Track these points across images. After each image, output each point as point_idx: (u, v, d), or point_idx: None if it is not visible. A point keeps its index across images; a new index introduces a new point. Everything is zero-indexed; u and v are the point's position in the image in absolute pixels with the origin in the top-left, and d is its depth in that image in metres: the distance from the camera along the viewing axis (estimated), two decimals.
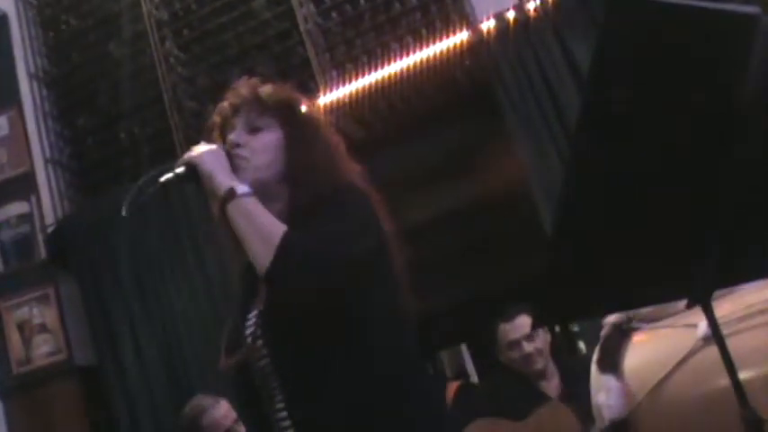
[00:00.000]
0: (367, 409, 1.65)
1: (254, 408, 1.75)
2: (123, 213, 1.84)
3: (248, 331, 1.76)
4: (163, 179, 1.79)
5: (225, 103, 1.95)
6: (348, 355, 1.66)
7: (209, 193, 1.78)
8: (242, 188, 1.74)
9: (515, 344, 3.45)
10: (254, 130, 1.88)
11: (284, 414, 1.68)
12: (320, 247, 1.65)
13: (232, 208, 1.72)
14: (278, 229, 1.68)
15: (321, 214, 1.72)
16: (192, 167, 1.78)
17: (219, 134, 1.94)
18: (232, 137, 1.86)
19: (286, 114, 1.91)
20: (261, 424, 1.74)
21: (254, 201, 1.74)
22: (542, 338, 3.47)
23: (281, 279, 1.64)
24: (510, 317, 3.48)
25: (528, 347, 3.43)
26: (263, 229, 1.69)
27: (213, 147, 1.82)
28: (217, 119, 1.96)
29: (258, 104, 1.90)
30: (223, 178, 1.76)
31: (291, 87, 1.99)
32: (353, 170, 1.91)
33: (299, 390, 1.68)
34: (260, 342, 1.72)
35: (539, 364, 3.44)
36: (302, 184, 1.81)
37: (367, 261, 1.70)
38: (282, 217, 1.75)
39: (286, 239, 1.65)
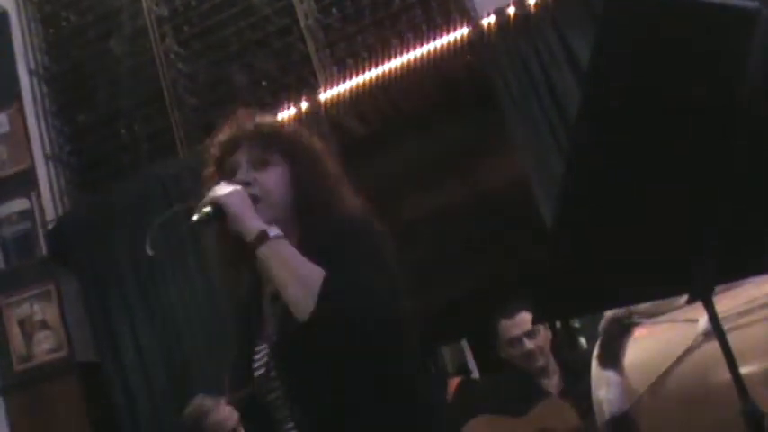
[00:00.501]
0: None
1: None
2: (149, 252, 1.81)
3: (258, 363, 1.77)
4: (193, 220, 1.75)
5: (223, 137, 1.92)
6: (365, 396, 1.67)
7: (233, 234, 1.75)
8: (273, 231, 1.72)
9: (516, 340, 3.45)
10: (260, 165, 1.85)
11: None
12: (361, 296, 1.65)
13: (265, 251, 1.70)
14: (317, 274, 1.65)
15: (344, 256, 1.70)
16: (219, 209, 1.74)
17: (217, 169, 1.91)
18: (241, 176, 1.83)
19: (290, 148, 1.89)
20: None
21: (286, 243, 1.72)
22: (543, 335, 3.47)
23: (322, 322, 1.62)
24: (510, 313, 3.48)
25: (529, 344, 3.43)
26: (300, 273, 1.67)
27: (237, 187, 1.78)
28: (216, 152, 1.92)
29: (262, 139, 1.88)
30: (252, 220, 1.73)
31: (291, 126, 1.99)
32: (358, 201, 1.91)
33: (312, 423, 1.68)
34: (273, 374, 1.72)
35: (540, 361, 3.44)
36: (314, 218, 1.80)
37: (400, 311, 1.71)
38: None
39: (327, 286, 1.63)
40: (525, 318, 3.42)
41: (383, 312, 1.67)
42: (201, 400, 3.61)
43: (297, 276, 1.66)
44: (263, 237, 1.70)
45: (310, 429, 1.68)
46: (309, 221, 1.81)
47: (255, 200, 1.78)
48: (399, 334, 1.72)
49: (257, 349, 1.79)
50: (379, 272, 1.70)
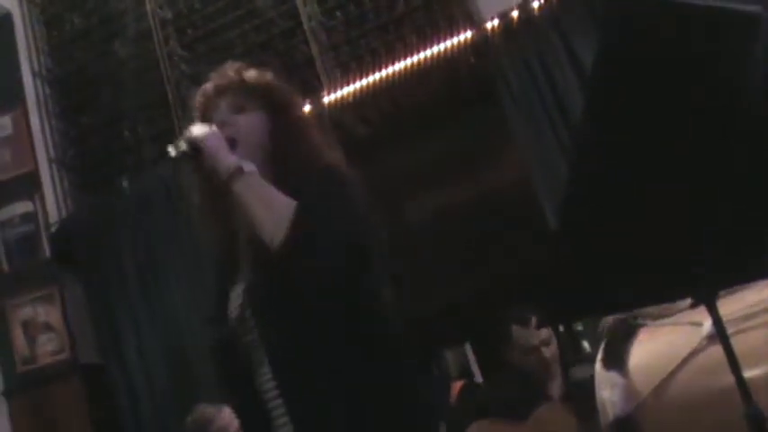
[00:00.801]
0: (355, 383, 1.68)
1: (239, 381, 1.78)
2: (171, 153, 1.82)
3: (234, 305, 1.79)
4: (171, 155, 1.81)
5: (209, 85, 1.97)
6: (338, 330, 1.69)
7: (208, 171, 1.80)
8: (248, 165, 1.77)
9: (534, 350, 3.42)
10: (238, 110, 1.91)
11: (272, 385, 1.72)
12: (334, 224, 1.69)
13: (240, 184, 1.74)
14: (290, 204, 1.69)
15: (315, 193, 1.74)
16: (196, 146, 1.79)
17: (202, 114, 1.96)
18: (218, 116, 1.88)
19: (270, 97, 1.94)
20: (247, 396, 1.77)
21: (259, 178, 1.77)
22: (555, 342, 3.45)
23: (294, 251, 1.65)
24: (526, 321, 3.44)
25: (546, 353, 3.40)
26: (273, 204, 1.71)
27: (212, 127, 1.84)
28: (200, 99, 1.98)
29: (243, 86, 1.93)
30: (227, 157, 1.78)
31: (275, 75, 2.01)
32: (336, 154, 1.95)
33: (288, 362, 1.70)
34: (247, 314, 1.75)
35: (552, 368, 3.42)
36: (289, 165, 1.83)
37: (370, 244, 1.75)
38: None
39: (299, 213, 1.67)
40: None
41: (354, 240, 1.71)
42: (203, 408, 3.61)
43: (269, 207, 1.70)
44: (237, 171, 1.74)
45: (283, 368, 1.70)
46: (284, 168, 1.84)
47: (233, 143, 1.83)
48: (372, 270, 1.76)
49: (233, 291, 1.82)
50: (350, 205, 1.75)
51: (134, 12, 5.19)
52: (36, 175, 5.09)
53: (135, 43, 5.17)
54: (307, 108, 4.50)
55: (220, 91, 1.94)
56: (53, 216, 5.01)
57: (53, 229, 4.98)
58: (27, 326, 4.86)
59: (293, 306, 1.67)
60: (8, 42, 5.32)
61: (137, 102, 5.10)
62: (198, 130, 1.83)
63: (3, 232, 5.06)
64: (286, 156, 1.85)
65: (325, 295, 1.67)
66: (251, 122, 1.89)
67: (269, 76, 1.99)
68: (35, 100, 5.20)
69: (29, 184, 5.08)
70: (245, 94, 1.93)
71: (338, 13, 4.73)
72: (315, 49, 4.72)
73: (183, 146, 1.79)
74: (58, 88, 5.32)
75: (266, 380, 1.73)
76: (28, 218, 5.03)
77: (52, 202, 5.03)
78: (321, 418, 1.67)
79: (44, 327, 4.83)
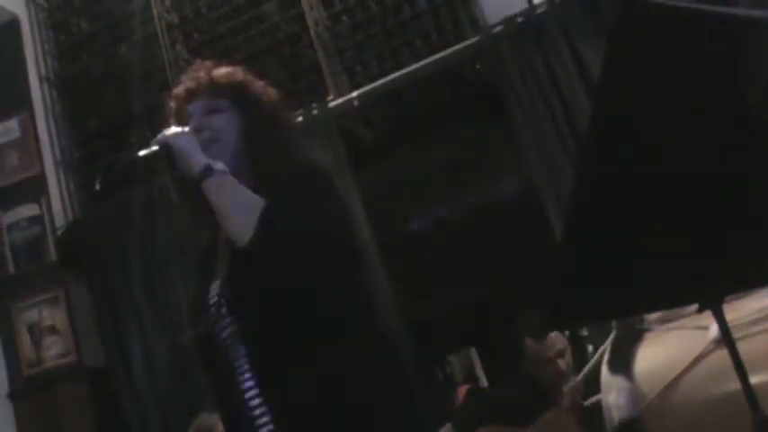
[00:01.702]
0: (334, 378, 1.68)
1: (216, 377, 1.79)
2: (96, 187, 1.89)
3: (211, 302, 1.80)
4: (139, 154, 1.82)
5: (180, 89, 1.98)
6: (315, 324, 1.70)
7: (181, 172, 1.82)
8: (218, 165, 1.78)
9: (550, 362, 3.40)
10: (211, 111, 1.91)
11: (250, 383, 1.72)
12: (301, 221, 1.71)
13: (210, 183, 1.76)
14: (259, 201, 1.71)
15: (291, 193, 1.76)
16: (167, 146, 1.80)
17: (176, 119, 1.96)
18: (193, 123, 1.88)
19: (242, 95, 1.95)
20: (224, 392, 1.78)
21: (229, 176, 1.78)
22: (569, 352, 3.44)
23: (263, 249, 1.66)
24: (538, 334, 3.42)
25: (562, 364, 3.39)
26: (243, 202, 1.73)
27: (185, 129, 1.85)
28: (172, 104, 1.99)
29: (213, 87, 1.94)
30: (198, 157, 1.79)
31: (243, 70, 2.03)
32: (311, 150, 1.97)
33: (265, 357, 1.71)
34: (224, 311, 1.75)
35: (568, 380, 3.41)
36: (265, 164, 1.85)
37: (343, 239, 1.78)
38: None
39: (268, 211, 1.69)
40: (557, 337, 3.38)
41: (327, 237, 1.73)
42: (205, 417, 3.62)
43: (238, 205, 1.72)
44: (207, 170, 1.76)
45: (262, 365, 1.71)
46: (260, 166, 1.86)
47: (208, 145, 1.84)
48: (345, 266, 1.78)
49: (211, 288, 1.83)
50: (324, 203, 1.78)
51: (140, 16, 5.19)
52: (43, 178, 5.10)
53: (141, 47, 5.18)
54: (314, 111, 4.52)
55: (192, 94, 1.95)
56: (59, 219, 5.02)
57: (59, 233, 4.99)
58: (33, 329, 4.87)
59: (264, 302, 1.69)
60: (15, 46, 5.33)
61: (143, 106, 5.10)
62: (169, 131, 1.84)
63: (9, 235, 5.07)
64: (261, 154, 1.86)
65: (293, 292, 1.68)
66: (224, 123, 1.89)
67: (240, 73, 2.00)
68: (42, 103, 5.21)
69: (35, 188, 5.09)
70: (217, 95, 1.93)
71: (344, 18, 4.74)
72: (321, 54, 4.72)
73: (154, 146, 1.81)
74: (65, 92, 5.33)
75: (243, 375, 1.74)
76: (34, 221, 5.04)
77: (59, 206, 5.04)
78: (298, 411, 1.68)
79: (50, 330, 4.84)
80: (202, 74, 1.97)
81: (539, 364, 3.43)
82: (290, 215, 1.71)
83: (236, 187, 1.76)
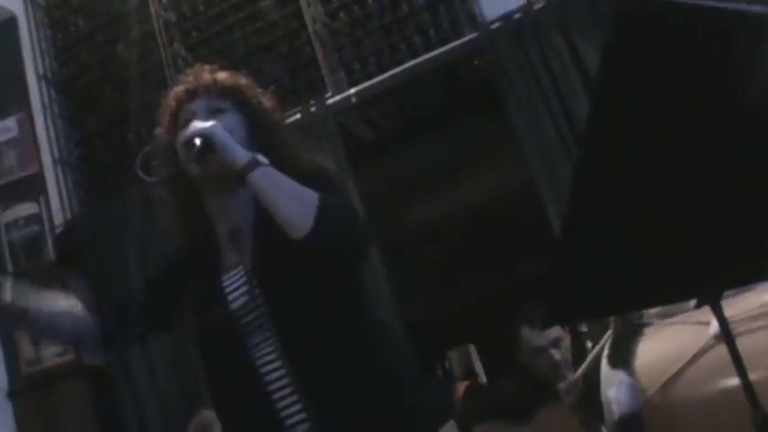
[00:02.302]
0: (362, 358, 1.77)
1: (230, 364, 1.79)
2: (138, 171, 1.88)
3: (232, 288, 1.81)
4: (194, 154, 1.80)
5: (180, 88, 1.97)
6: (334, 305, 1.78)
7: (219, 164, 1.80)
8: (261, 157, 1.79)
9: (543, 350, 3.40)
10: (216, 113, 1.91)
11: (272, 360, 1.74)
12: (347, 213, 1.79)
13: (258, 175, 1.76)
14: (311, 193, 1.74)
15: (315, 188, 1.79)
16: (209, 137, 1.79)
17: (172, 119, 1.96)
18: (195, 119, 1.87)
19: (245, 99, 1.96)
20: (239, 378, 1.78)
21: (273, 168, 1.79)
22: (566, 345, 3.44)
23: (320, 240, 1.70)
24: (533, 323, 3.43)
25: (557, 355, 3.39)
26: (296, 194, 1.75)
27: (215, 122, 1.84)
28: (172, 104, 1.97)
29: (217, 89, 1.94)
30: (240, 149, 1.80)
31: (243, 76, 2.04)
32: (318, 156, 2.01)
33: (298, 339, 1.74)
34: (257, 291, 1.77)
35: (564, 370, 3.41)
36: (275, 165, 1.84)
37: (366, 233, 1.90)
38: (250, 194, 1.83)
39: (323, 202, 1.72)
40: (553, 327, 3.38)
41: (360, 237, 1.83)
42: (205, 413, 3.62)
43: (294, 197, 1.74)
44: (254, 161, 1.77)
45: (293, 347, 1.73)
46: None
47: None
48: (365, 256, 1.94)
49: (225, 277, 1.83)
50: (347, 202, 1.89)
51: (138, 14, 5.19)
52: (41, 176, 5.10)
53: (139, 46, 5.17)
54: (312, 109, 4.52)
55: (193, 94, 1.95)
56: (58, 218, 5.02)
57: (58, 231, 4.99)
58: None
59: (306, 288, 1.73)
60: (13, 45, 5.33)
61: (141, 104, 5.09)
62: (204, 124, 1.83)
63: (8, 234, 5.07)
64: (270, 155, 1.85)
65: (332, 278, 1.76)
66: (229, 124, 1.89)
67: (242, 78, 2.01)
68: (40, 102, 5.21)
69: (34, 186, 5.10)
70: (220, 97, 1.94)
71: (342, 15, 4.73)
72: (319, 51, 4.71)
73: (198, 141, 1.79)
74: (63, 90, 5.32)
75: (266, 359, 1.75)
76: (33, 219, 5.04)
77: (57, 204, 5.04)
78: (329, 387, 1.71)
79: None
80: (205, 75, 1.97)
81: (531, 354, 3.44)
82: (340, 206, 1.77)
83: (284, 179, 1.77)
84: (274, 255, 1.76)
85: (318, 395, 1.71)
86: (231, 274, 1.84)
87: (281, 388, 1.73)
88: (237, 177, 1.77)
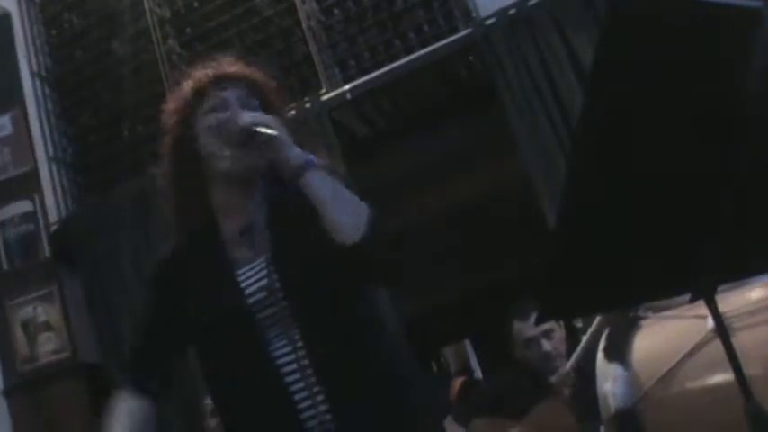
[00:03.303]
0: (381, 352, 1.82)
1: (249, 354, 1.78)
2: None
3: (249, 282, 1.80)
4: (270, 134, 1.76)
5: (208, 73, 1.94)
6: (358, 309, 1.82)
7: (272, 158, 1.78)
8: (317, 159, 1.79)
9: (533, 341, 3.41)
10: (243, 104, 1.88)
11: (290, 354, 1.74)
12: (386, 233, 1.77)
13: (314, 176, 1.74)
14: (360, 202, 1.75)
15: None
16: (273, 132, 1.77)
17: (195, 101, 1.91)
18: (252, 113, 1.84)
19: (268, 97, 1.95)
20: (257, 367, 1.77)
21: (327, 173, 1.79)
22: (559, 336, 3.44)
23: (369, 248, 1.70)
24: (525, 314, 3.44)
25: (546, 345, 3.39)
26: (348, 200, 1.75)
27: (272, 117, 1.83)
28: (198, 86, 1.93)
29: (247, 81, 1.93)
30: (296, 147, 1.78)
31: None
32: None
33: (317, 336, 1.76)
34: (277, 285, 1.77)
35: (556, 362, 3.41)
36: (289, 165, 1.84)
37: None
38: (263, 194, 1.86)
39: (374, 215, 1.73)
40: None
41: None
42: (204, 404, 3.62)
43: (348, 203, 1.74)
44: (311, 162, 1.75)
45: (313, 342, 1.75)
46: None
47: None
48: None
49: (239, 272, 1.81)
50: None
51: (132, 11, 5.19)
52: (35, 174, 5.09)
53: (133, 42, 5.17)
54: (307, 105, 4.52)
55: (225, 82, 1.91)
56: (53, 215, 5.02)
57: (53, 229, 4.99)
58: (27, 325, 4.86)
59: (330, 289, 1.76)
60: (7, 42, 5.32)
61: (135, 101, 5.09)
62: (264, 116, 1.81)
63: (3, 232, 5.06)
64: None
65: (357, 285, 1.82)
66: None
67: (265, 75, 1.99)
68: (34, 99, 5.20)
69: (28, 184, 5.09)
70: (249, 90, 1.91)
71: (336, 11, 4.73)
72: (313, 48, 4.71)
73: (263, 130, 1.76)
74: (58, 88, 5.32)
75: (283, 349, 1.76)
76: (28, 217, 5.03)
77: (52, 202, 5.03)
78: (348, 383, 1.74)
79: (44, 326, 4.84)
80: (237, 65, 1.95)
81: (523, 345, 3.44)
82: (383, 225, 1.76)
83: (337, 183, 1.77)
84: (295, 253, 1.77)
85: (337, 390, 1.72)
86: (246, 269, 1.82)
87: (298, 380, 1.73)
88: (291, 175, 1.75)
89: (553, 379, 3.25)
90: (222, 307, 1.81)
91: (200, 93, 1.91)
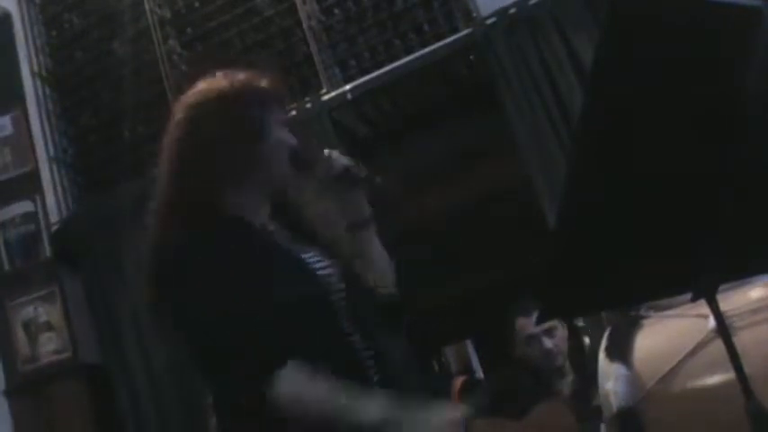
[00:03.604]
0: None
1: (325, 331, 1.81)
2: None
3: (318, 265, 1.84)
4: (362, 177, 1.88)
5: (285, 87, 2.00)
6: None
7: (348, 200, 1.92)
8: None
9: (534, 339, 3.41)
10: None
11: (359, 336, 1.80)
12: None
13: (372, 231, 1.93)
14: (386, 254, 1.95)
15: None
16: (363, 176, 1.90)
17: (276, 104, 1.92)
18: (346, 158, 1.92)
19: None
20: (340, 342, 1.80)
21: None
22: (561, 335, 3.44)
23: (400, 298, 1.94)
24: (527, 311, 3.44)
25: (548, 343, 3.39)
26: (383, 254, 1.94)
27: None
28: (273, 86, 1.91)
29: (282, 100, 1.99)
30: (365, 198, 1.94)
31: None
32: None
33: (369, 323, 1.84)
34: (336, 279, 1.84)
35: (557, 361, 3.41)
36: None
37: None
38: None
39: (397, 267, 1.95)
40: None
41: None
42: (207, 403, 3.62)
43: (383, 257, 1.93)
44: (373, 218, 1.92)
45: (367, 328, 1.82)
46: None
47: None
48: None
49: (306, 256, 1.84)
50: None
51: (133, 11, 5.18)
52: (36, 174, 5.09)
53: (134, 43, 5.17)
54: (307, 105, 4.53)
55: (278, 97, 1.95)
56: (53, 215, 5.01)
57: (54, 229, 4.98)
58: (28, 325, 4.86)
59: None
60: (8, 42, 5.31)
61: (136, 101, 5.09)
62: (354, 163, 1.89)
63: (3, 232, 5.06)
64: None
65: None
66: None
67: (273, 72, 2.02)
68: (35, 100, 5.20)
69: (29, 184, 5.08)
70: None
71: (337, 11, 4.73)
72: (313, 48, 4.71)
73: (363, 174, 1.87)
74: (58, 88, 5.32)
75: (349, 328, 1.82)
76: (28, 218, 5.03)
77: (53, 202, 5.03)
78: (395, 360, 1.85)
79: (45, 326, 4.84)
80: (281, 84, 1.97)
81: (524, 343, 3.44)
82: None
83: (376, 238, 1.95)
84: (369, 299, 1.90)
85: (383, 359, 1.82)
86: (307, 256, 1.84)
87: (364, 349, 1.80)
88: (357, 224, 1.90)
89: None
90: (311, 281, 1.81)
91: (278, 99, 1.93)
